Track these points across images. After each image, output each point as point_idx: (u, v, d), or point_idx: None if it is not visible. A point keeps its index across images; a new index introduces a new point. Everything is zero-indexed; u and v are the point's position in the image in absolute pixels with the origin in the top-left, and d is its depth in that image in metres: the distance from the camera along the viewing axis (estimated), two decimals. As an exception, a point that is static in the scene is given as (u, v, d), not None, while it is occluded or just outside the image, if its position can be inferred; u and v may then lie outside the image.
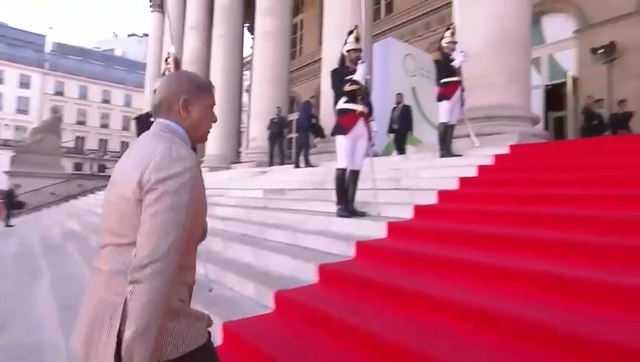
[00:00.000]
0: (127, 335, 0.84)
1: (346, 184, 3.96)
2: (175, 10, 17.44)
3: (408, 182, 4.70)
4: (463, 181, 4.10)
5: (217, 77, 13.42)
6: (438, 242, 2.83)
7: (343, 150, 3.88)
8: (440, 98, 5.20)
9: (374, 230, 3.37)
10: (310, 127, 8.32)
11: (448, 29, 5.46)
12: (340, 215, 3.85)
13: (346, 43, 4.07)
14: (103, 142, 40.01)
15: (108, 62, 43.16)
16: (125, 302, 0.87)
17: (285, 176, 7.56)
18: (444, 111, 5.16)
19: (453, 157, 5.04)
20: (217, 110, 1.15)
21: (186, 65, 14.64)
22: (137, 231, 0.90)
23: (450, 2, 6.68)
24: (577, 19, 9.90)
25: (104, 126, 40.56)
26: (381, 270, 2.59)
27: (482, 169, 4.29)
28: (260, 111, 11.49)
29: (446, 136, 5.20)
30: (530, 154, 4.57)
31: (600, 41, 9.16)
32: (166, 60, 4.02)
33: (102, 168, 35.83)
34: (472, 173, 4.30)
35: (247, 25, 16.81)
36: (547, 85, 10.29)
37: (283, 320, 2.35)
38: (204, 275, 2.96)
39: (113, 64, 43.23)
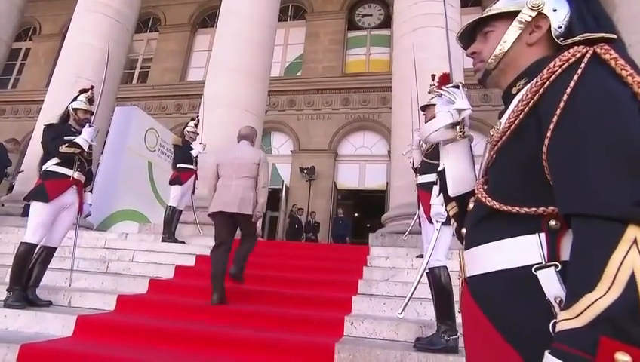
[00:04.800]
0: (262, 199, 3.42)
1: (31, 264, 3.12)
2: None
3: (119, 266, 4.21)
4: (180, 270, 4.05)
5: None
6: (128, 341, 2.56)
7: (38, 220, 3.13)
8: (173, 182, 5.22)
9: (58, 326, 2.73)
10: None
11: (193, 119, 5.78)
12: (9, 305, 2.92)
13: (76, 100, 3.59)
14: None
15: None
16: (255, 197, 3.40)
17: None
18: (174, 196, 5.16)
19: (175, 243, 4.97)
20: None
21: None
22: (255, 174, 3.42)
23: (202, 93, 7.21)
24: (294, 142, 12.69)
25: None
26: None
27: (200, 259, 4.40)
28: None
29: (172, 221, 5.13)
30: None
31: (306, 163, 11.94)
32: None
33: None
34: (191, 262, 4.34)
35: None
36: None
37: None
38: None
39: None
